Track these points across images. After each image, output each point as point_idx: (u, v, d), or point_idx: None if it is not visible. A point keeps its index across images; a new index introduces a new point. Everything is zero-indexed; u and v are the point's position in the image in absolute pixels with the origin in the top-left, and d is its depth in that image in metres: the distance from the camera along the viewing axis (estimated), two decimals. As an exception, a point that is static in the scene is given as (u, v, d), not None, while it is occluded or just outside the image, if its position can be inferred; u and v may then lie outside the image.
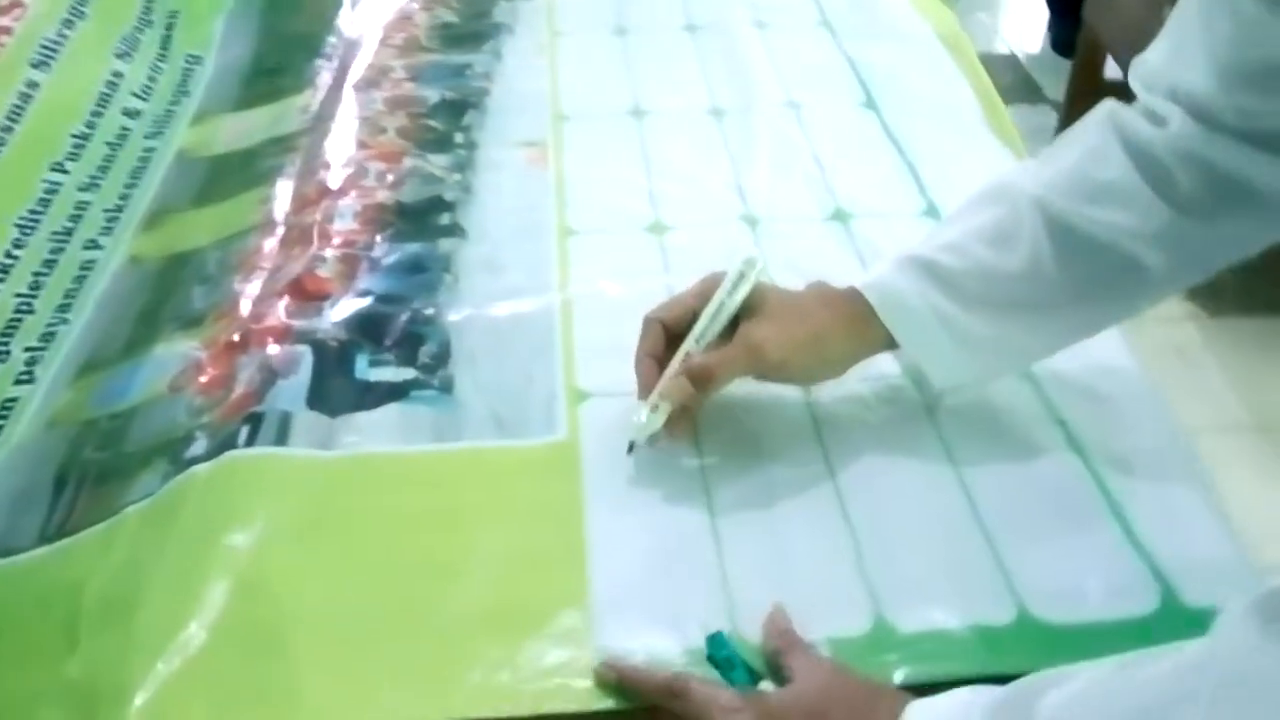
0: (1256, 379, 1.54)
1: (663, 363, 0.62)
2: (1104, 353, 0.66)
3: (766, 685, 0.51)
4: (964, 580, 0.56)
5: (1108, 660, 0.42)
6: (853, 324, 0.61)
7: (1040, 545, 0.57)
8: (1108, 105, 0.61)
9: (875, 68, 1.01)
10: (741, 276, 0.62)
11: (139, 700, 0.51)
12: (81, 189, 0.93)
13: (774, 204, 0.84)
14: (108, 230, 0.92)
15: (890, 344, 0.61)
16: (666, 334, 0.63)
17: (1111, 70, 1.95)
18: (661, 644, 0.53)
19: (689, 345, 0.62)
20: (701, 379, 0.60)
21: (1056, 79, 2.20)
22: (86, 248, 0.89)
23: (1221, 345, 1.59)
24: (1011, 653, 0.53)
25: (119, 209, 0.94)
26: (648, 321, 0.63)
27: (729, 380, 0.62)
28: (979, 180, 0.84)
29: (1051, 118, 2.12)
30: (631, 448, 0.62)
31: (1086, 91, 1.97)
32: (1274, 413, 1.49)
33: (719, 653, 0.52)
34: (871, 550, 0.58)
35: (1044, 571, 0.56)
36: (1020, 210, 0.59)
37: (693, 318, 0.62)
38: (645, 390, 0.62)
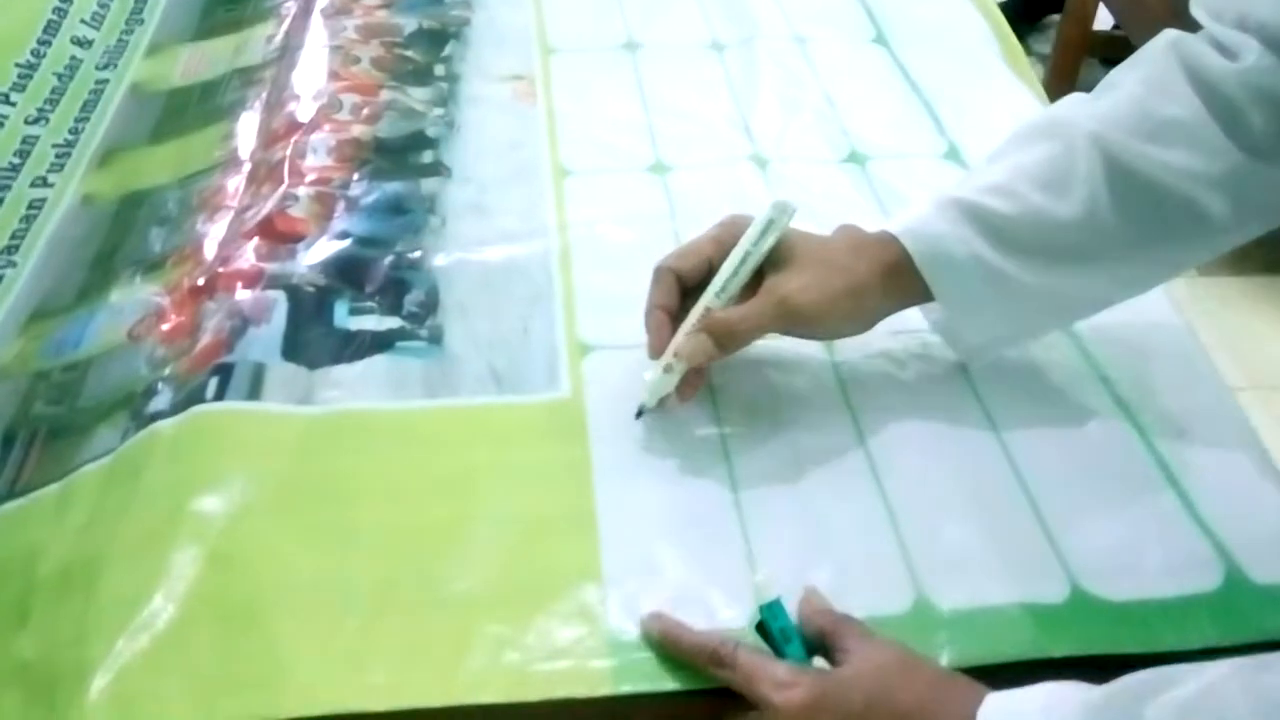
0: (1248, 338, 1.52)
1: (675, 317, 0.56)
2: (1144, 304, 0.61)
3: (819, 663, 0.46)
4: (1010, 553, 0.51)
5: (1219, 663, 0.37)
6: (888, 274, 0.55)
7: (1091, 515, 0.53)
8: (1170, 34, 0.55)
9: (883, 0, 0.95)
10: (771, 223, 0.55)
11: (100, 682, 0.46)
12: (29, 123, 0.87)
13: (784, 144, 0.78)
14: (57, 167, 0.85)
15: (928, 296, 0.56)
16: (680, 285, 0.57)
17: (1101, 20, 1.91)
18: (685, 621, 0.48)
19: (709, 299, 0.56)
20: (724, 336, 0.55)
21: (1039, 32, 2.16)
22: (35, 185, 0.83)
23: (1212, 304, 1.57)
24: (1066, 632, 0.48)
25: (69, 145, 0.87)
26: (660, 271, 0.57)
27: (755, 337, 0.56)
28: (1000, 120, 0.80)
29: (1037, 70, 2.07)
30: (641, 412, 0.56)
31: (1074, 43, 1.93)
32: (1267, 371, 1.47)
33: (775, 622, 0.47)
34: (909, 522, 0.53)
35: (1097, 544, 0.52)
36: (1075, 148, 0.54)
37: (709, 268, 0.56)
38: (657, 347, 0.56)
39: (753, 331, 0.55)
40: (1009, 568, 0.51)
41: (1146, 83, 0.54)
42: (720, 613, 0.49)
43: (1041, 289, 0.55)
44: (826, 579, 0.50)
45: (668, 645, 0.47)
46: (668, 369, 0.55)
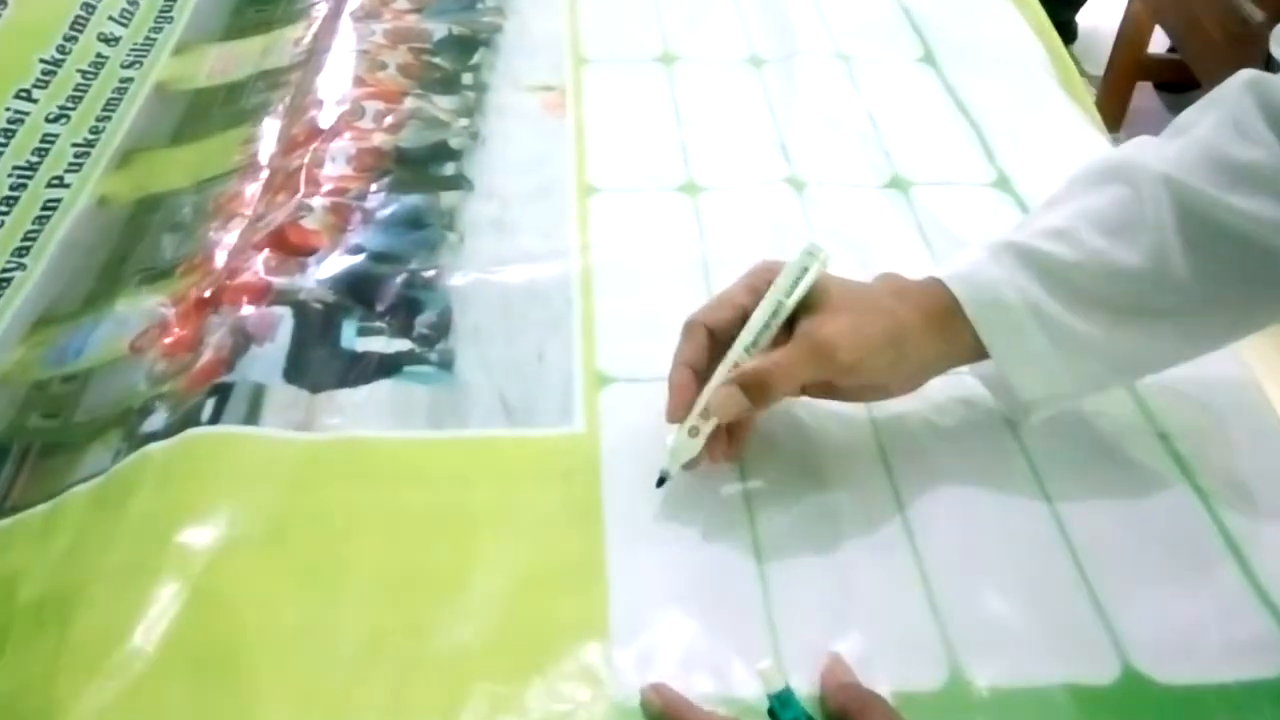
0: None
1: (702, 377, 0.51)
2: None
3: None
4: (1055, 627, 0.47)
5: None
6: (933, 323, 0.50)
7: (1146, 588, 0.48)
8: (1247, 74, 0.51)
9: (932, 18, 0.91)
10: (804, 271, 0.51)
11: (65, 729, 0.43)
12: (50, 120, 0.85)
13: (823, 167, 0.74)
14: (75, 167, 0.83)
15: (979, 353, 0.51)
16: (712, 341, 0.52)
17: (1156, 43, 1.86)
18: (696, 689, 0.44)
19: (738, 354, 0.50)
20: (757, 388, 0.49)
21: (1092, 53, 2.10)
22: (51, 185, 0.80)
23: (1269, 350, 1.50)
24: (1115, 717, 0.44)
25: (89, 144, 0.85)
26: (691, 326, 0.52)
27: (790, 390, 0.50)
28: (1054, 148, 0.75)
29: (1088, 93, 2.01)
30: (663, 480, 0.51)
31: (1128, 67, 1.88)
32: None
33: (785, 713, 0.42)
34: (945, 588, 0.48)
35: (1151, 620, 0.47)
36: (1143, 192, 0.49)
37: (744, 319, 0.51)
38: (678, 410, 0.51)
39: (787, 380, 0.50)
40: (1053, 643, 0.46)
41: (1222, 125, 0.50)
42: (736, 681, 0.45)
43: (1102, 343, 0.50)
44: (853, 648, 0.46)
45: None
46: (692, 432, 0.50)
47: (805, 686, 0.45)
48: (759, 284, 0.52)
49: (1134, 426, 0.56)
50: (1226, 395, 0.57)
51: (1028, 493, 0.53)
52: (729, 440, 0.52)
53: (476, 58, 0.87)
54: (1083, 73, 2.02)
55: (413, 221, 0.69)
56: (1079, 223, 0.50)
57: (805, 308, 0.51)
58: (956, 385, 0.56)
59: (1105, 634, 0.47)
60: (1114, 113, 1.87)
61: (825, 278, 0.51)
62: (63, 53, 0.89)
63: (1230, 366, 0.59)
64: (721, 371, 0.51)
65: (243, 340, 0.60)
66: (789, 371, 0.50)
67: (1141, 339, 0.51)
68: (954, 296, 0.50)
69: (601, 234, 0.69)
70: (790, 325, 0.51)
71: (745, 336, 0.51)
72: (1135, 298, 0.50)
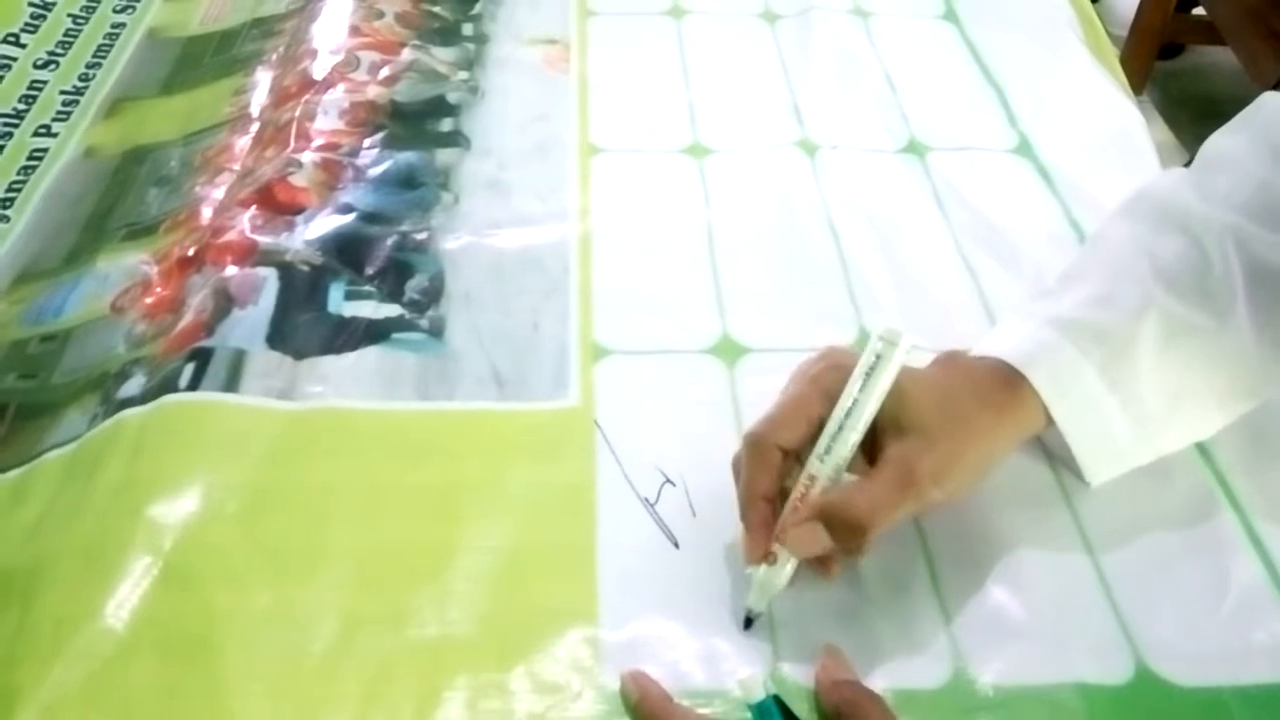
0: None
1: (778, 504, 0.45)
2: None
3: None
4: (1067, 624, 0.45)
5: None
6: (1013, 421, 0.46)
7: (1165, 584, 0.46)
8: (1277, 97, 0.47)
9: (954, -28, 0.87)
10: (878, 361, 0.44)
11: (25, 715, 0.41)
12: (38, 67, 0.82)
13: (836, 129, 0.71)
14: (63, 116, 0.80)
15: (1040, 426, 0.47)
16: (786, 460, 0.45)
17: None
18: (687, 681, 0.42)
19: (813, 465, 0.44)
20: (847, 528, 0.42)
21: (1111, 10, 2.04)
22: (38, 134, 0.78)
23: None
24: (1126, 719, 0.42)
25: (78, 92, 0.82)
26: (760, 447, 0.44)
27: (887, 529, 0.43)
28: (1077, 113, 0.72)
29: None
30: (749, 621, 0.44)
31: (1156, 27, 1.83)
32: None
33: None
34: (952, 581, 0.46)
35: (1170, 617, 0.45)
36: (1208, 250, 0.45)
37: (821, 429, 0.44)
38: (756, 552, 0.44)
39: (884, 523, 0.42)
40: (1064, 640, 0.44)
41: (1264, 157, 0.46)
42: (731, 675, 0.42)
43: (1170, 417, 0.47)
44: (853, 641, 0.43)
45: (642, 714, 0.41)
46: (771, 559, 0.43)
47: (802, 679, 0.43)
48: (831, 382, 0.44)
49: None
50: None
51: (1043, 483, 0.50)
52: (822, 564, 0.45)
53: (478, 7, 0.83)
54: (1108, 31, 1.97)
55: (406, 180, 0.67)
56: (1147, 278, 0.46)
57: (892, 420, 0.44)
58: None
59: (1119, 632, 0.44)
60: (1139, 73, 1.82)
61: (904, 375, 0.44)
62: (53, -5, 0.87)
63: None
64: (799, 488, 0.44)
65: (224, 302, 0.57)
66: (885, 513, 0.42)
67: (1207, 409, 0.48)
68: (1025, 381, 0.45)
69: (602, 197, 0.66)
70: (872, 429, 0.44)
71: (820, 442, 0.44)
72: (1205, 360, 0.46)
